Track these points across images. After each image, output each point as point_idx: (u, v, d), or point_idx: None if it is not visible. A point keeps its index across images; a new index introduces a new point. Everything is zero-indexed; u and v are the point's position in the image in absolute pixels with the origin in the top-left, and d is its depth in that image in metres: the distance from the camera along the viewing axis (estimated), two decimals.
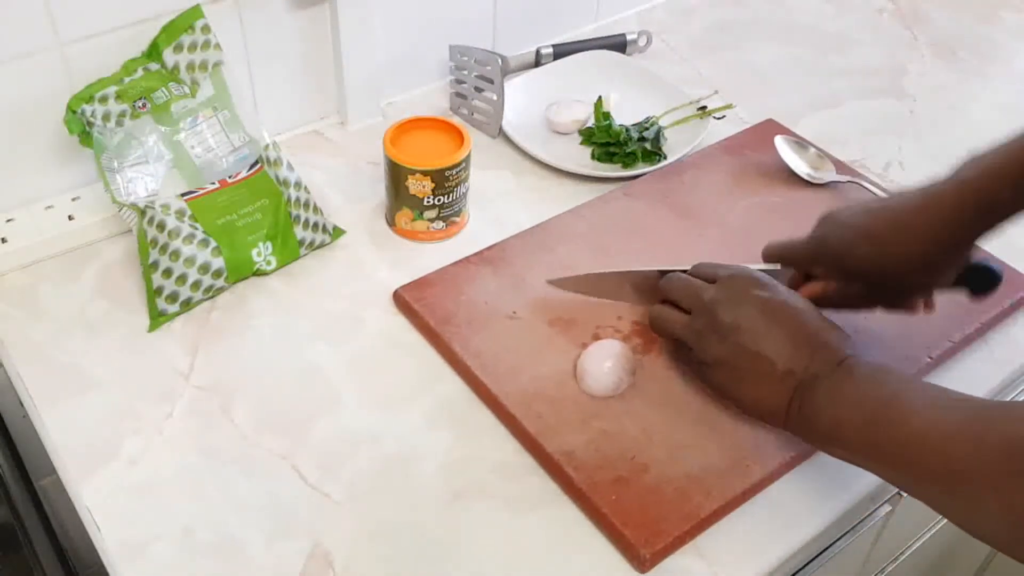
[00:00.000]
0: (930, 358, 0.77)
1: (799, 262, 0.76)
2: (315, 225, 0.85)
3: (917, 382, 0.64)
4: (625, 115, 0.99)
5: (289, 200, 0.83)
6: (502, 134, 1.00)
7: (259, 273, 0.83)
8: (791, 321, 0.67)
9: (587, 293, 0.81)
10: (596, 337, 0.77)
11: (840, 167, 0.95)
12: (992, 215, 0.68)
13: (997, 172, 0.68)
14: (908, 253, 0.70)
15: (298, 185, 0.84)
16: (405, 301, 0.80)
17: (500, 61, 0.99)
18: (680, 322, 0.72)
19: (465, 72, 1.02)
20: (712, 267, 0.74)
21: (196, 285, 0.78)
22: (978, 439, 0.55)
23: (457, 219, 0.88)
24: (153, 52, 0.82)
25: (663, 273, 0.77)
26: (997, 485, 0.53)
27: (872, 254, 0.71)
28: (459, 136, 0.86)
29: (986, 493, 0.54)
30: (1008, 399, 0.85)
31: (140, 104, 0.81)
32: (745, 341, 0.67)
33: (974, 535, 0.56)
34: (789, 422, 0.65)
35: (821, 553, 0.74)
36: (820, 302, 0.72)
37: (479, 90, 1.01)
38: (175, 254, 0.77)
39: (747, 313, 0.68)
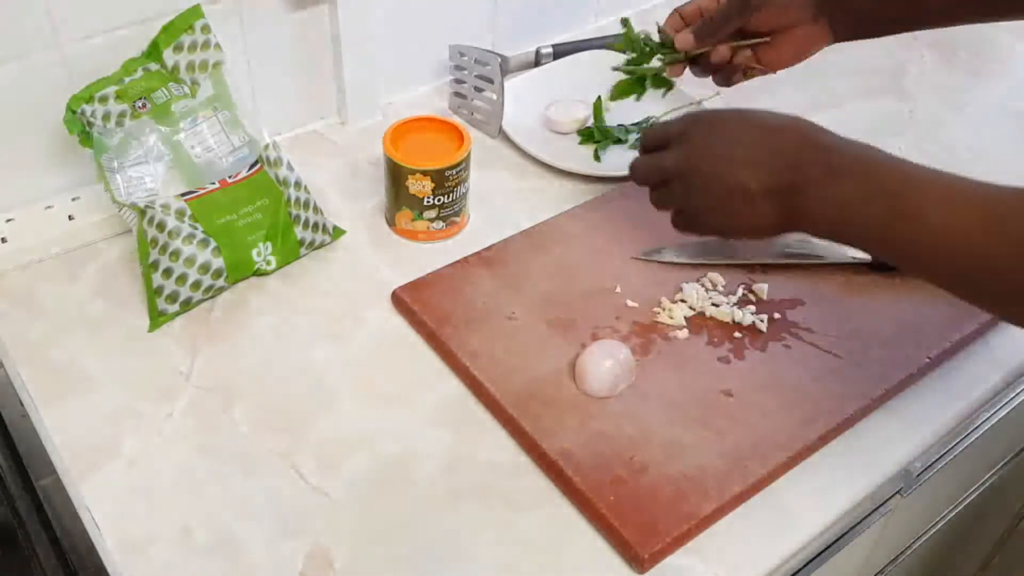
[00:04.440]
0: (929, 358, 0.77)
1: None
2: (315, 225, 0.85)
3: (919, 172, 0.62)
4: (625, 115, 1.00)
5: (289, 200, 0.83)
6: (502, 134, 1.00)
7: (259, 273, 0.83)
8: (750, 138, 0.67)
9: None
10: (594, 337, 0.77)
11: None
12: None
13: None
14: None
15: (298, 185, 0.84)
16: (403, 302, 0.80)
17: (500, 61, 0.99)
18: (658, 200, 0.73)
19: (465, 72, 1.02)
20: (661, 130, 0.73)
21: (196, 285, 0.79)
22: (998, 234, 0.56)
23: (457, 219, 0.88)
24: (153, 52, 0.82)
25: None
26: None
27: None
28: (459, 136, 0.86)
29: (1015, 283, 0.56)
30: (1008, 399, 0.85)
31: (140, 104, 0.81)
32: (713, 184, 0.67)
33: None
34: (787, 228, 0.66)
35: (821, 553, 0.74)
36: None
37: (479, 90, 1.01)
38: (175, 254, 0.77)
39: (702, 155, 0.68)
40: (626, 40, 0.92)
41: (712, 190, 0.68)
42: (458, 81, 1.03)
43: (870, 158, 0.64)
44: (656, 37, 0.90)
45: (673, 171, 0.70)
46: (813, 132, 0.66)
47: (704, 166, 0.68)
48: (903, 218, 0.60)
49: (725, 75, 0.86)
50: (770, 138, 0.66)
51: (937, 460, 0.81)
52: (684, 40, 0.85)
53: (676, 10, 0.88)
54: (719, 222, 0.69)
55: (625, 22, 0.91)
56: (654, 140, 0.73)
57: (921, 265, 0.61)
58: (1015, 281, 0.56)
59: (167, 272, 0.77)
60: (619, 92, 1.01)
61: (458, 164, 0.84)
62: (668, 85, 1.02)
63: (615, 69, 0.98)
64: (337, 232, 0.88)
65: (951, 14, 0.81)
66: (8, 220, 0.84)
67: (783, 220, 0.66)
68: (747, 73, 0.86)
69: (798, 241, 0.85)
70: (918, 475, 0.78)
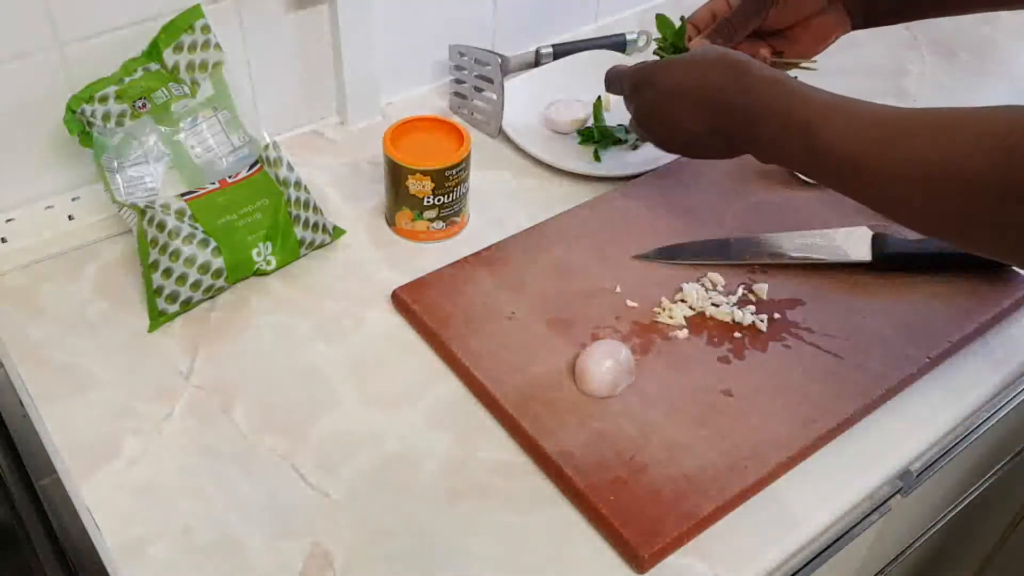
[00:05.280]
0: (929, 358, 0.77)
1: None
2: (315, 225, 0.85)
3: (824, 102, 0.68)
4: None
5: (289, 200, 0.83)
6: (502, 134, 1.00)
7: (259, 273, 0.83)
8: (685, 89, 0.76)
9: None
10: (594, 337, 0.77)
11: None
12: None
13: None
14: None
15: (298, 185, 0.84)
16: (403, 302, 0.80)
17: (500, 61, 0.99)
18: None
19: (465, 72, 1.02)
20: (616, 79, 0.85)
21: (196, 285, 0.79)
22: (888, 155, 0.62)
23: (457, 219, 0.88)
24: (153, 52, 0.82)
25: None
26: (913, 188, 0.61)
27: None
28: (459, 136, 0.86)
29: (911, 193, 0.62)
30: (1008, 399, 0.85)
31: (140, 104, 0.81)
32: (665, 130, 0.80)
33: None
34: (737, 154, 0.76)
35: (821, 553, 0.75)
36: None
37: (479, 90, 1.01)
38: (175, 254, 0.77)
39: (648, 112, 0.81)
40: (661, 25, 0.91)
41: (668, 139, 0.80)
42: (458, 81, 1.03)
43: (783, 96, 0.70)
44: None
45: (634, 118, 0.83)
46: (734, 80, 0.73)
47: (646, 124, 0.81)
48: (815, 150, 0.67)
49: None
50: (701, 90, 0.75)
51: (937, 460, 0.81)
52: (699, 44, 0.85)
53: (688, 22, 0.87)
54: (682, 152, 0.81)
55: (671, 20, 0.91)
56: (615, 87, 0.86)
57: (842, 187, 0.67)
58: (910, 196, 0.62)
59: (167, 272, 0.77)
60: None
61: (458, 164, 0.84)
62: None
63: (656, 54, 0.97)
64: (337, 232, 0.88)
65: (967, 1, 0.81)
66: (8, 220, 0.84)
67: (730, 149, 0.75)
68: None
69: (798, 241, 0.85)
70: (918, 475, 0.78)
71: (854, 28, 0.85)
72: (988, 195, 0.57)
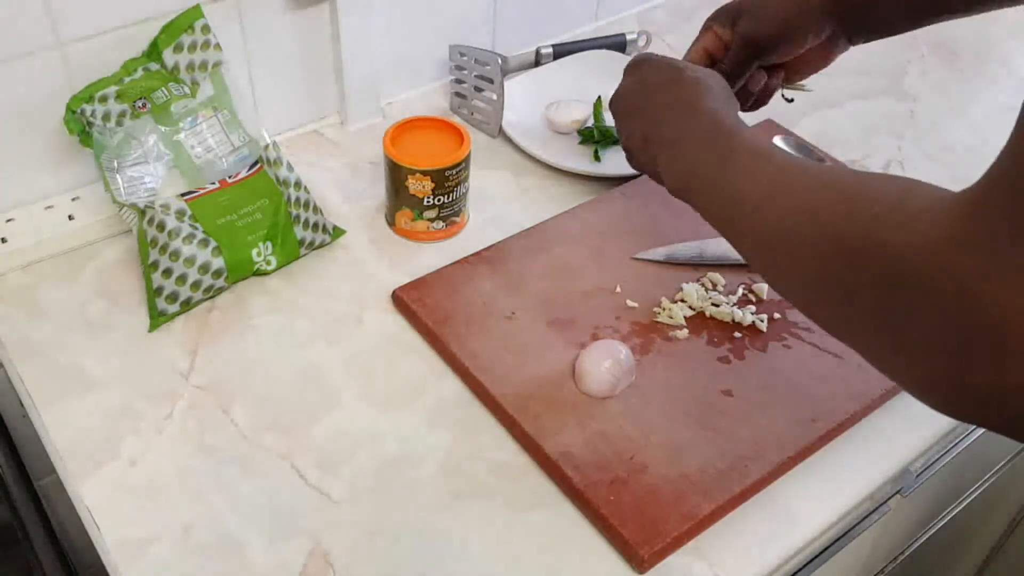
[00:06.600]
0: None
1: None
2: (315, 225, 0.85)
3: (744, 142, 0.63)
4: None
5: (289, 200, 0.83)
6: (502, 134, 1.00)
7: (259, 273, 0.83)
8: (646, 90, 0.73)
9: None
10: (594, 337, 0.77)
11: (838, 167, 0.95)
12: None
13: None
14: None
15: (298, 185, 0.84)
16: (403, 301, 0.80)
17: (500, 61, 0.99)
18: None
19: (465, 72, 1.02)
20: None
21: (196, 285, 0.79)
22: (770, 206, 0.56)
23: (457, 219, 0.88)
24: (153, 52, 0.82)
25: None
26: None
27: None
28: (459, 136, 0.86)
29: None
30: None
31: (140, 104, 0.81)
32: (620, 127, 0.75)
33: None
34: (659, 180, 0.71)
35: (821, 553, 0.75)
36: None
37: (479, 90, 1.01)
38: (175, 254, 0.77)
39: (617, 99, 0.76)
40: None
41: (621, 131, 0.75)
42: (458, 81, 1.03)
43: (714, 126, 0.65)
44: None
45: (613, 96, 0.78)
46: (693, 95, 0.69)
47: (615, 108, 0.76)
48: (717, 186, 0.62)
49: (760, 100, 0.83)
50: (662, 93, 0.71)
51: (937, 460, 0.81)
52: None
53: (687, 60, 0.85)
54: (624, 146, 0.75)
55: None
56: None
57: (728, 234, 0.61)
58: (776, 252, 0.56)
59: (167, 272, 0.77)
60: None
61: (458, 164, 0.84)
62: None
63: None
64: (337, 232, 0.88)
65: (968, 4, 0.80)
66: (8, 220, 0.84)
67: (653, 166, 0.70)
68: (784, 94, 0.84)
69: None
70: (918, 475, 0.78)
71: (852, 45, 0.84)
72: (840, 261, 0.51)
